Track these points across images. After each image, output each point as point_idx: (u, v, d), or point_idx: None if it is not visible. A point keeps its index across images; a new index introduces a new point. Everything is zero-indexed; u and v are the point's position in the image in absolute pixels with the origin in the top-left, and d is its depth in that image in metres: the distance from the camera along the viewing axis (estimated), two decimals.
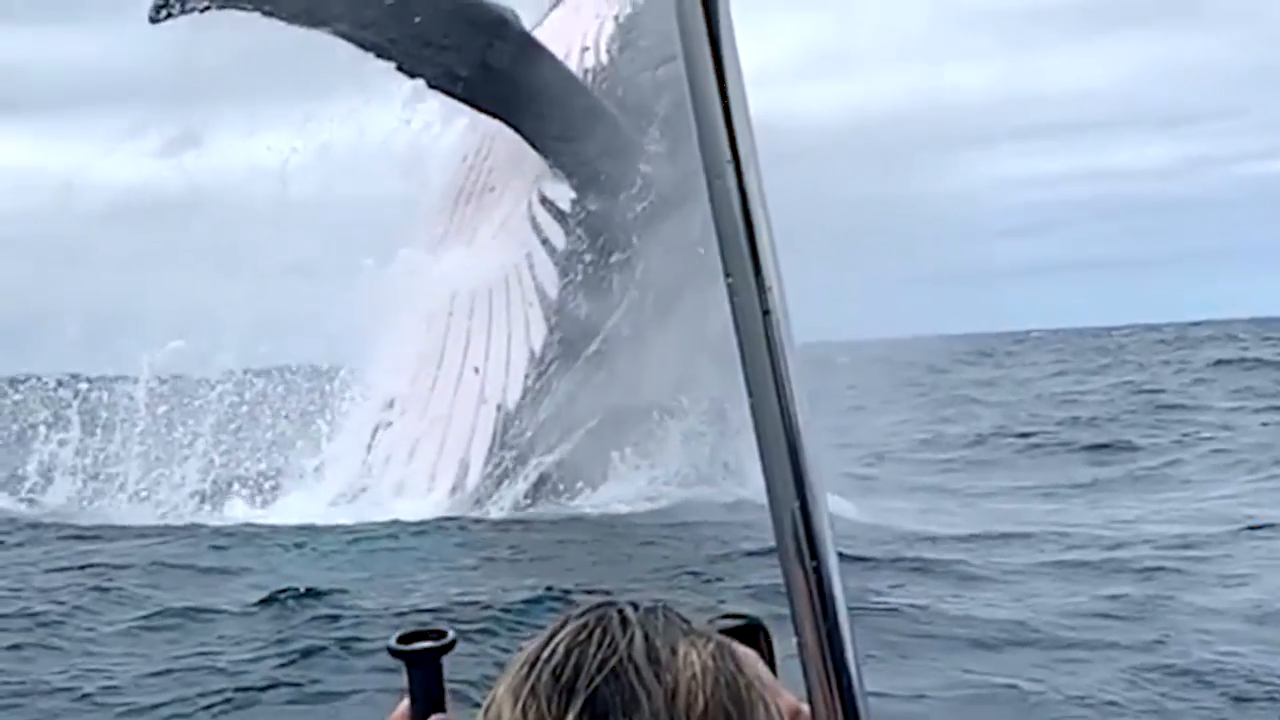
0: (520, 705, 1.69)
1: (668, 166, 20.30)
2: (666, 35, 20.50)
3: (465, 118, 22.14)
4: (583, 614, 1.75)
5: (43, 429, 23.01)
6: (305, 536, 18.47)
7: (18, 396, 24.23)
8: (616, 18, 22.21)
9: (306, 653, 12.98)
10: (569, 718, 1.66)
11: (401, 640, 1.99)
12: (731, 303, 1.89)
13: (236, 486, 21.47)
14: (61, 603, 15.08)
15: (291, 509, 20.45)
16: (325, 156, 21.56)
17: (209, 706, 11.94)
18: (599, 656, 1.69)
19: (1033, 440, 34.50)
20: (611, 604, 1.76)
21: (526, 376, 20.77)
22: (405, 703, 1.97)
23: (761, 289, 1.88)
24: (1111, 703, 11.94)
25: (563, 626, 1.74)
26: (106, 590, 15.61)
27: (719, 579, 15.64)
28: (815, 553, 1.90)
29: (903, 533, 19.04)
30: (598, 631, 1.72)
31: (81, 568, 16.72)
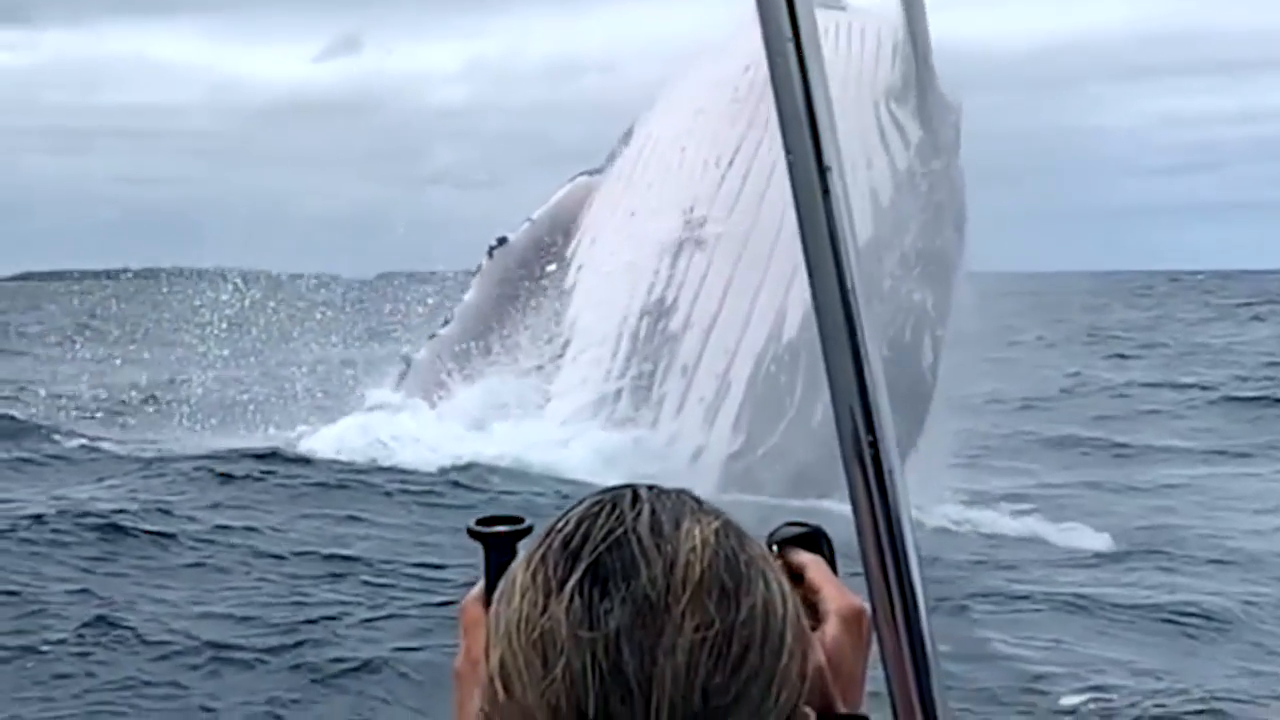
0: (531, 569, 1.80)
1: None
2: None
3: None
4: (601, 493, 1.85)
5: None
6: None
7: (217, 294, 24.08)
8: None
9: None
10: (571, 580, 1.76)
11: (480, 523, 2.05)
12: (792, 182, 1.91)
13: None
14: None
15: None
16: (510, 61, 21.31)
17: None
18: (606, 527, 1.79)
19: (1188, 393, 33.87)
20: (631, 486, 1.85)
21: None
22: (481, 584, 2.05)
23: (821, 169, 1.91)
24: None
25: (581, 503, 1.85)
26: None
27: None
28: (872, 429, 1.94)
29: None
30: (609, 506, 1.82)
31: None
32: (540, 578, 1.79)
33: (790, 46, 1.87)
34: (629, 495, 1.83)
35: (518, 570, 1.83)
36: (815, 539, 2.15)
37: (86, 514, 15.43)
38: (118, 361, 27.22)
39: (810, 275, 1.92)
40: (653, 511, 1.81)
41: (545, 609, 1.77)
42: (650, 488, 1.85)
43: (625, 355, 19.74)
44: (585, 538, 1.79)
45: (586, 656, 1.74)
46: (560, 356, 20.22)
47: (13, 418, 22.86)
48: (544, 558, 1.80)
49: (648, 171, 20.99)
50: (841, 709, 2.23)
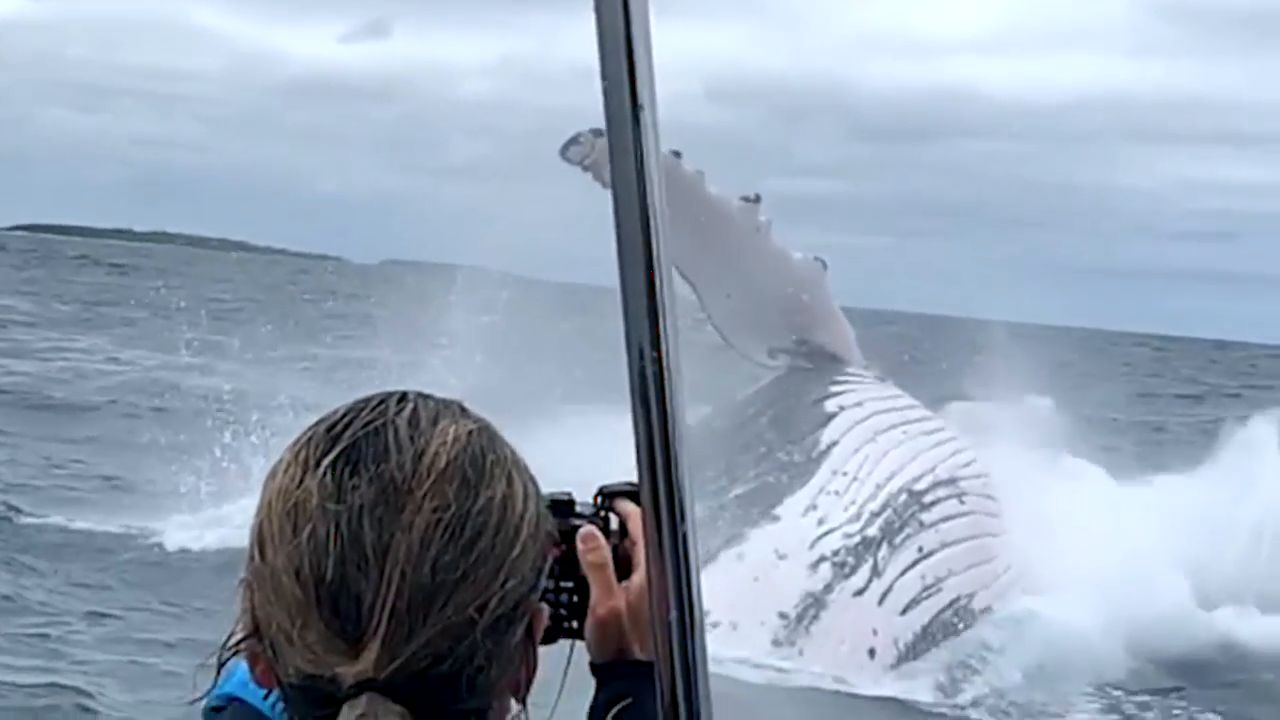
0: (296, 449, 2.02)
1: None
2: None
3: None
4: (377, 392, 2.08)
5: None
6: None
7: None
8: None
9: None
10: (327, 459, 1.98)
11: None
12: (605, 108, 2.00)
13: None
14: None
15: None
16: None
17: None
18: (367, 418, 2.02)
19: None
20: (405, 391, 2.07)
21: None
22: None
23: (635, 104, 2.00)
24: None
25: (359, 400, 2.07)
26: None
27: None
28: (657, 346, 2.04)
29: None
30: (377, 401, 2.05)
31: None
32: (302, 456, 2.00)
33: None
34: (398, 395, 2.05)
35: (286, 451, 2.03)
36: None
37: None
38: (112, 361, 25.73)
39: (615, 198, 2.02)
40: (415, 409, 2.02)
41: (301, 482, 1.98)
42: (421, 393, 2.06)
43: (881, 504, 18.54)
44: (348, 425, 2.01)
45: (330, 526, 1.94)
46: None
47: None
48: (309, 440, 2.02)
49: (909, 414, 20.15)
50: (639, 656, 2.39)
